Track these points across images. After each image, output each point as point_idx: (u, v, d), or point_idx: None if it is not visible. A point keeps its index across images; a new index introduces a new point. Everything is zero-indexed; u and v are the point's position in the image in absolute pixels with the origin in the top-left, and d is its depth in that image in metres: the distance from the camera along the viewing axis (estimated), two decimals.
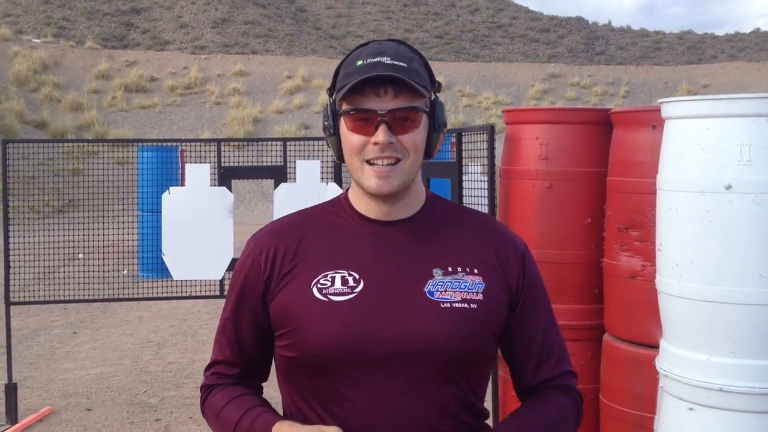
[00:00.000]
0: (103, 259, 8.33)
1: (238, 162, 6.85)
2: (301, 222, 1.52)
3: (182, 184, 5.41)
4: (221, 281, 5.24)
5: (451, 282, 1.43)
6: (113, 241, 8.35)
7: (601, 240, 3.52)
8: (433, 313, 1.40)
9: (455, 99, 24.27)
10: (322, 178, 5.49)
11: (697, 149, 2.62)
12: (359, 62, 1.42)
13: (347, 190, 1.54)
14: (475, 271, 1.45)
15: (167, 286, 6.32)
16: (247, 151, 6.75)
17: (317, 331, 1.39)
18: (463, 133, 4.80)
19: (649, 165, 3.00)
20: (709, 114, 2.63)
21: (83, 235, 8.02)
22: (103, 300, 6.82)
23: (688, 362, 2.63)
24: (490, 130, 4.42)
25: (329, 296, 1.41)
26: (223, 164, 5.43)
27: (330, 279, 1.42)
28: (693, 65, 32.98)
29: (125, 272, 9.41)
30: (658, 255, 2.80)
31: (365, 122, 1.41)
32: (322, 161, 5.63)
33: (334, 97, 1.48)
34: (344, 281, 1.42)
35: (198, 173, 5.21)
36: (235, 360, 1.53)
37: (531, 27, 56.33)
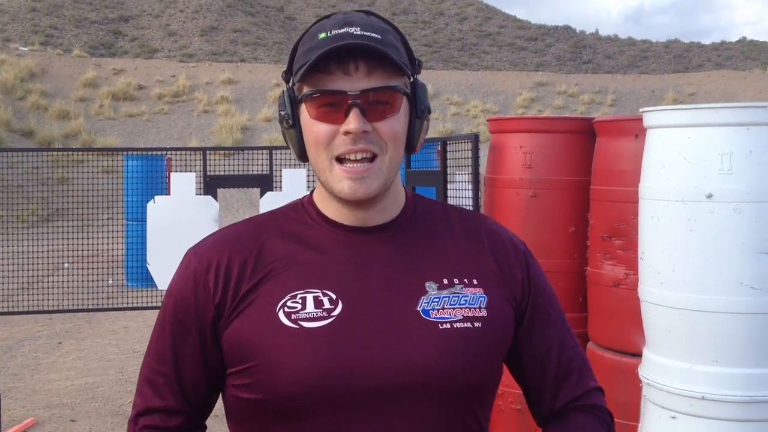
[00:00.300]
0: (89, 268, 8.30)
1: (226, 170, 6.85)
2: (256, 231, 1.24)
3: (168, 193, 5.40)
4: None
5: (449, 297, 1.18)
6: (99, 250, 8.32)
7: (585, 248, 3.53)
8: (432, 336, 1.15)
9: (443, 107, 24.34)
10: (309, 187, 5.48)
11: (679, 158, 2.64)
12: (322, 35, 1.16)
13: (311, 192, 1.28)
14: (475, 281, 1.21)
15: (153, 296, 6.30)
16: (235, 159, 6.75)
17: (287, 367, 1.11)
18: (448, 142, 4.81)
19: (632, 174, 3.02)
20: (690, 123, 2.65)
21: (69, 244, 7.99)
22: (88, 310, 6.78)
23: (671, 371, 2.64)
24: (475, 139, 4.44)
25: (300, 322, 1.13)
26: (208, 173, 5.43)
27: (300, 301, 1.15)
28: (679, 74, 33.20)
29: (110, 282, 9.36)
30: (640, 263, 2.81)
31: (332, 107, 1.15)
32: (309, 170, 5.63)
33: (292, 80, 1.21)
34: (318, 303, 1.15)
35: (183, 182, 5.20)
36: (177, 407, 1.21)
37: (519, 36, 56.60)
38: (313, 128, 1.17)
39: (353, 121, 1.13)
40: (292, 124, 1.20)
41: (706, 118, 2.62)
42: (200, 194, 5.27)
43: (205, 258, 1.21)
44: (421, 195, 1.33)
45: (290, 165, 5.85)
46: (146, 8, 50.01)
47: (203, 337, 1.19)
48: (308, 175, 5.57)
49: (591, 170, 3.48)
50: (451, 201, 4.60)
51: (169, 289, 1.24)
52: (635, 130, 3.14)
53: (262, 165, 5.79)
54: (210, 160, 5.68)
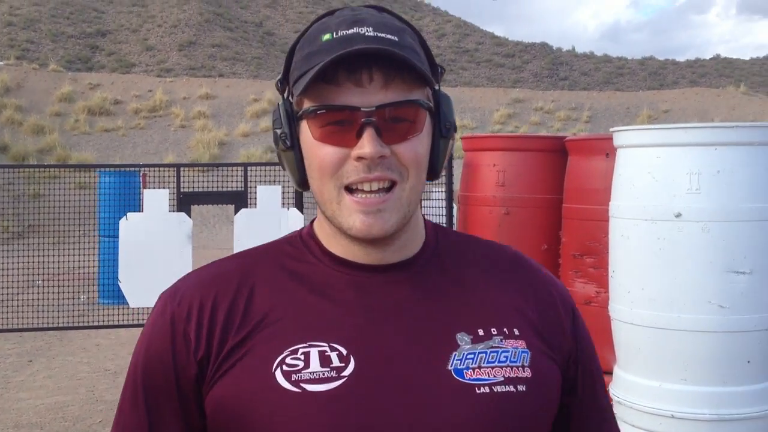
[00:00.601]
0: (62, 285, 8.20)
1: (202, 186, 6.83)
2: (245, 269, 1.02)
3: (142, 210, 5.37)
4: None
5: (486, 352, 0.96)
6: (73, 267, 8.23)
7: (557, 266, 3.55)
8: (468, 403, 0.93)
9: None
10: (284, 204, 5.47)
11: (648, 178, 2.66)
12: (326, 36, 0.95)
13: (311, 222, 1.07)
14: (516, 332, 0.99)
15: (126, 313, 6.24)
16: (211, 175, 6.72)
17: None
18: None
19: (603, 192, 3.04)
20: (659, 143, 2.67)
21: (43, 260, 7.89)
22: (59, 328, 6.69)
23: (641, 389, 2.65)
24: (449, 158, 4.46)
25: (303, 384, 0.91)
26: (182, 190, 5.40)
27: (302, 357, 0.93)
28: (654, 91, 33.61)
29: (82, 298, 9.26)
30: (611, 282, 2.83)
31: (341, 126, 0.94)
32: (284, 186, 5.62)
33: (287, 92, 1.01)
34: (325, 360, 0.93)
35: (156, 199, 5.17)
36: None
37: (497, 52, 57.08)
38: (318, 152, 0.96)
39: (368, 145, 0.92)
40: (290, 145, 0.99)
41: (674, 138, 2.65)
42: (173, 211, 5.24)
43: (186, 301, 0.98)
44: (442, 226, 1.11)
45: (265, 181, 5.84)
46: (124, 23, 49.89)
47: (186, 403, 0.97)
48: (284, 192, 5.55)
49: (563, 188, 3.50)
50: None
51: (141, 342, 1.01)
52: (606, 149, 3.16)
53: (238, 181, 5.79)
54: (187, 176, 5.67)
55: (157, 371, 0.98)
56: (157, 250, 5.00)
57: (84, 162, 18.38)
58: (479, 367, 0.95)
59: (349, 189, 0.95)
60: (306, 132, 0.97)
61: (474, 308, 1.00)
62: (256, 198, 5.34)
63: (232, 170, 6.13)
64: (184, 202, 5.32)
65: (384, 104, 0.93)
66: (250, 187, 5.54)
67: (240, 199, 5.35)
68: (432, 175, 1.01)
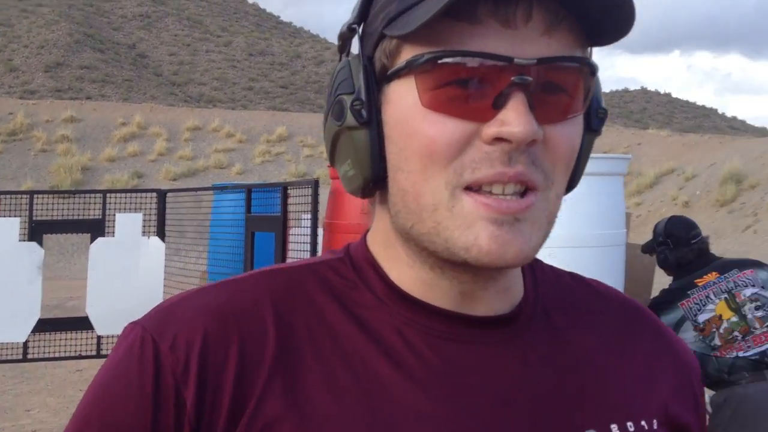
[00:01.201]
0: None
1: (61, 214, 6.50)
2: (268, 302, 0.65)
3: None
4: (25, 344, 4.88)
5: None
6: None
7: None
8: None
9: (296, 149, 24.40)
10: (144, 232, 5.27)
11: None
12: None
13: (363, 238, 0.72)
14: (654, 425, 0.69)
15: None
16: (70, 202, 6.40)
17: None
18: (290, 188, 4.78)
19: None
20: None
21: None
22: None
23: None
24: (314, 185, 4.44)
25: None
26: (34, 218, 5.11)
27: None
28: None
29: None
30: None
31: (470, 89, 0.59)
32: (145, 214, 5.42)
33: (361, 33, 0.66)
34: None
35: (6, 228, 4.86)
36: None
37: None
38: (425, 127, 0.59)
39: (517, 119, 0.57)
40: (366, 118, 0.63)
41: None
42: (24, 240, 4.94)
43: (182, 343, 0.61)
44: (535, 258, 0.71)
45: (127, 209, 5.62)
46: None
47: None
48: (145, 220, 5.34)
49: None
50: (291, 246, 4.54)
51: (91, 402, 0.63)
52: None
53: (98, 209, 5.53)
54: (44, 203, 5.36)
55: None
56: (3, 282, 4.69)
57: None
58: None
59: (472, 189, 0.60)
60: (403, 98, 0.61)
61: (602, 391, 0.69)
62: (114, 226, 5.12)
63: (92, 197, 5.85)
64: (36, 231, 5.03)
65: (548, 58, 0.58)
66: (109, 215, 5.30)
67: (97, 228, 5.11)
68: (570, 185, 0.67)
